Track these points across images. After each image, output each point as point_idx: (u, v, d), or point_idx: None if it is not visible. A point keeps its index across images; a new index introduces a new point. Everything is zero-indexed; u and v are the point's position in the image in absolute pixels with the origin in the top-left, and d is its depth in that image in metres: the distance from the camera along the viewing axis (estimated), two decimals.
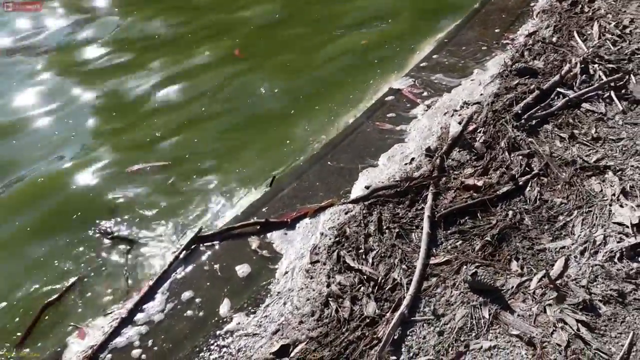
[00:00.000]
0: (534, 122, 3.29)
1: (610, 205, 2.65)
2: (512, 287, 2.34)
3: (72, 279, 2.85)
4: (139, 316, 2.59)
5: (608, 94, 3.41)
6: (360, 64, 4.54)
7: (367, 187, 3.06)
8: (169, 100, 4.40)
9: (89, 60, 5.04)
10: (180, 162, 3.71)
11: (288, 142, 3.75)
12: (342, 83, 4.33)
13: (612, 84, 3.46)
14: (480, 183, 2.90)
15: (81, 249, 3.05)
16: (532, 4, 4.85)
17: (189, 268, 2.82)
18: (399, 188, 2.98)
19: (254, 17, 5.42)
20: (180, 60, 4.88)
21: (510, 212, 2.71)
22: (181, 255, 2.87)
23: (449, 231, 2.70)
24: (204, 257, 2.87)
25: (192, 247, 2.92)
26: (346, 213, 2.94)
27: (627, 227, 2.51)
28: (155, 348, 2.43)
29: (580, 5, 4.50)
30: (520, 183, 2.87)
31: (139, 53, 5.10)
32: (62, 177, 3.62)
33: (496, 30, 4.52)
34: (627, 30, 4.00)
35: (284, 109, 4.14)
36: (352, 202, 3.00)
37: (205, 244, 2.95)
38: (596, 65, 3.63)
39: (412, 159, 3.27)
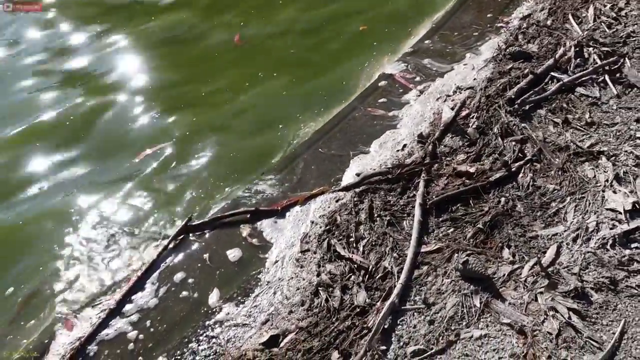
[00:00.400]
0: (527, 107, 3.24)
1: (604, 191, 2.62)
2: (504, 275, 2.32)
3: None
4: (128, 307, 2.57)
5: (602, 78, 3.35)
6: (356, 48, 4.45)
7: (358, 175, 3.02)
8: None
9: None
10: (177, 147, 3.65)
11: (281, 126, 3.68)
12: (337, 67, 4.25)
13: (607, 68, 3.40)
14: (472, 169, 2.87)
15: (69, 236, 3.01)
16: None
17: (179, 257, 2.79)
18: (390, 175, 2.94)
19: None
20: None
21: (503, 199, 2.68)
22: (170, 245, 2.83)
23: (440, 218, 2.67)
24: (194, 246, 2.84)
25: (182, 236, 2.89)
26: (337, 201, 2.90)
27: (620, 213, 2.49)
28: (144, 338, 2.40)
29: None
30: (513, 169, 2.83)
31: None
32: None
33: (488, 15, 4.43)
34: (623, 13, 3.93)
35: (279, 93, 4.08)
36: (343, 190, 2.97)
37: (196, 233, 2.91)
38: (591, 49, 3.57)
39: (404, 145, 3.22)
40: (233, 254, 2.76)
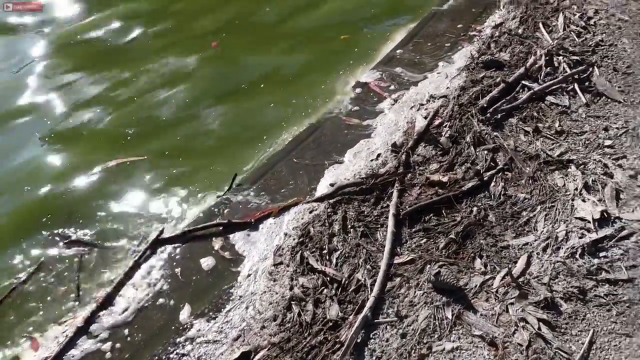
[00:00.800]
0: (499, 115, 3.27)
1: (573, 200, 2.66)
2: (476, 285, 2.33)
3: (18, 282, 2.76)
4: (96, 325, 2.50)
5: (572, 86, 3.41)
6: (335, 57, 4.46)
7: (332, 185, 3.00)
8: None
9: None
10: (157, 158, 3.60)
11: (264, 138, 3.66)
12: (313, 75, 4.25)
13: (576, 77, 3.46)
14: (445, 179, 2.88)
15: (33, 251, 2.93)
16: None
17: (149, 272, 2.73)
18: (364, 185, 2.94)
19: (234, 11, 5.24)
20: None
21: (475, 209, 2.69)
22: (141, 260, 2.78)
23: (413, 229, 2.67)
24: (164, 260, 2.79)
25: (153, 250, 2.83)
26: (311, 212, 2.88)
27: (589, 222, 2.52)
28: (112, 357, 2.35)
29: None
30: (485, 178, 2.85)
31: None
32: None
33: (459, 25, 4.45)
34: (592, 22, 4.01)
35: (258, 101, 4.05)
36: (316, 201, 2.95)
37: (167, 246, 2.86)
38: (561, 58, 3.62)
39: (378, 154, 3.22)
40: (206, 262, 2.72)
